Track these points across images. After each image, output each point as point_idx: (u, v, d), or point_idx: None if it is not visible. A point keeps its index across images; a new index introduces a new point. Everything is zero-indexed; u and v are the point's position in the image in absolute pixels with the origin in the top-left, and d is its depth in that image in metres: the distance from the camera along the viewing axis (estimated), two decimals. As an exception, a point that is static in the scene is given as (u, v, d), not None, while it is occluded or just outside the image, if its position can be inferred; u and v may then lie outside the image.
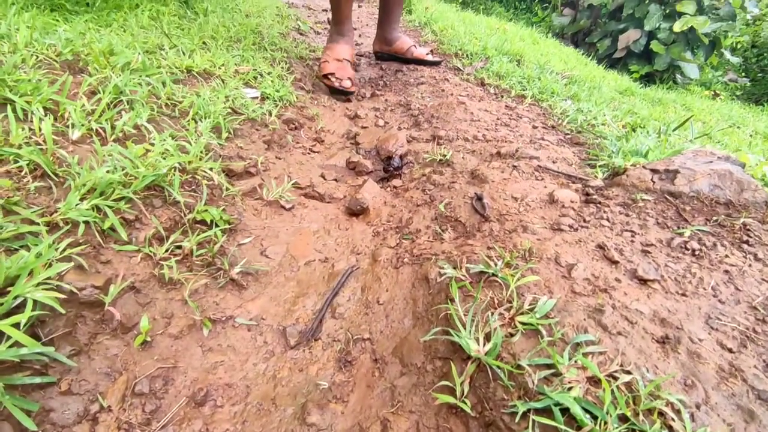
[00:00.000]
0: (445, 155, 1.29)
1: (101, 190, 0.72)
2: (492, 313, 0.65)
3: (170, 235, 0.78)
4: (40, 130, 0.77)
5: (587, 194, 0.99)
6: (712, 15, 4.66)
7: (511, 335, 0.62)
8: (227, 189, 0.96)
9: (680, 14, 4.69)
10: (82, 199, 0.70)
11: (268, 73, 1.63)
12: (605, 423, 0.49)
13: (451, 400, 0.59)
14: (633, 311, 0.64)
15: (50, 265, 0.60)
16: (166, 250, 0.76)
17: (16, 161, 0.70)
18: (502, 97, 1.87)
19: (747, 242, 0.78)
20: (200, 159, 0.96)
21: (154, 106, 1.03)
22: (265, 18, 2.50)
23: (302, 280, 0.89)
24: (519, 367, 0.57)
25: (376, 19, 2.55)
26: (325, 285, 0.89)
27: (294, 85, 1.74)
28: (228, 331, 0.75)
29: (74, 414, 0.56)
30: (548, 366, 0.56)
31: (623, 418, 0.50)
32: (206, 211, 0.85)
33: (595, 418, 0.50)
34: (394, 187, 1.27)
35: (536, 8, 6.67)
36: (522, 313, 0.64)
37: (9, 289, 0.55)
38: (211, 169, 0.95)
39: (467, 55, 2.40)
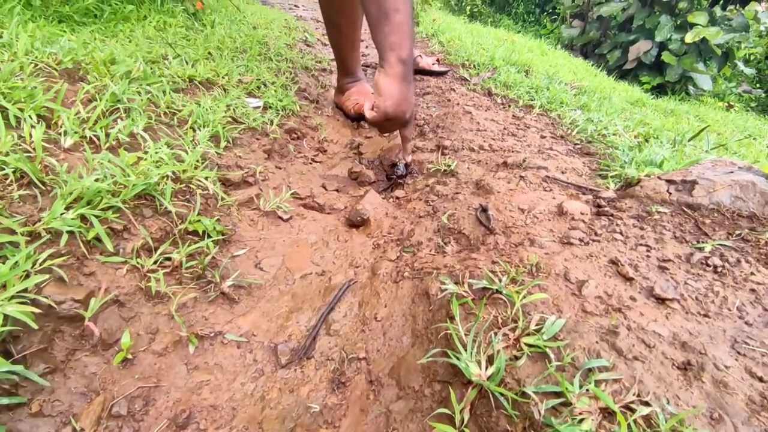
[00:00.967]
0: (449, 165, 1.26)
1: (88, 198, 0.70)
2: (495, 334, 0.60)
3: (159, 246, 0.75)
4: (30, 137, 0.75)
5: (598, 206, 0.94)
6: (725, 26, 4.60)
7: (516, 358, 0.57)
8: (222, 199, 0.93)
9: (692, 25, 4.64)
10: (68, 208, 0.68)
11: (272, 83, 1.62)
12: (621, 462, 0.44)
13: (449, 430, 0.54)
14: (650, 333, 0.59)
15: (27, 277, 0.57)
16: (155, 262, 0.73)
17: (1, 169, 0.68)
18: (509, 106, 1.84)
19: (774, 258, 0.73)
20: (195, 168, 0.93)
21: (152, 115, 1.01)
22: (273, 30, 2.52)
23: (297, 294, 0.86)
24: (524, 394, 0.52)
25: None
26: (321, 299, 0.85)
27: (298, 95, 1.73)
28: (216, 348, 0.71)
29: (44, 438, 0.53)
30: (556, 394, 0.51)
31: (642, 457, 0.45)
32: (199, 221, 0.83)
33: (609, 455, 0.45)
34: (397, 197, 1.24)
35: (545, 20, 6.68)
36: (528, 334, 0.59)
37: (-21, 302, 0.52)
38: (206, 178, 0.93)
39: (474, 66, 2.38)
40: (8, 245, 0.59)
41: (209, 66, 1.45)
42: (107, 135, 0.87)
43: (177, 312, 0.71)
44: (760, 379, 0.53)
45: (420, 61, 2.20)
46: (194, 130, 1.07)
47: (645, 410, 0.48)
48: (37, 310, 0.55)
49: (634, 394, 0.50)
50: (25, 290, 0.56)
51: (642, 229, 0.84)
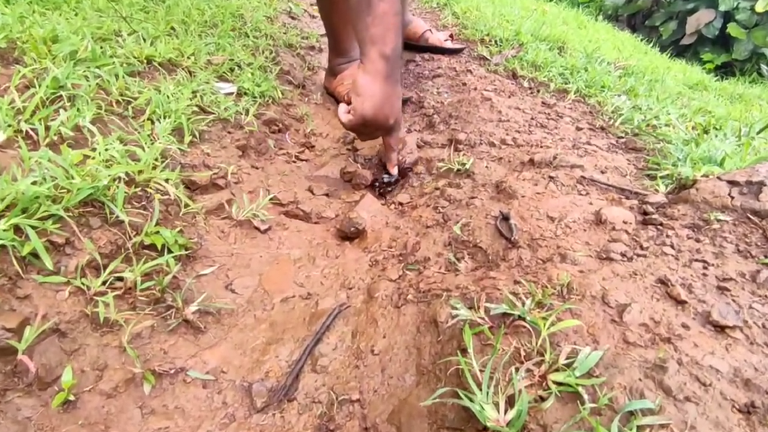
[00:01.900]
0: (464, 164, 1.28)
1: (24, 206, 0.72)
2: (517, 369, 0.61)
3: (109, 263, 0.77)
4: (-46, 132, 0.77)
5: (645, 213, 0.96)
6: (805, -9, 4.65)
7: (542, 399, 0.58)
8: (186, 206, 0.95)
9: (764, -9, 4.70)
10: (-1, 218, 0.70)
11: (248, 64, 1.65)
12: None
13: (460, 487, 0.55)
14: (706, 369, 0.60)
15: (-51, 301, 0.59)
16: (103, 283, 0.74)
17: None
18: (538, 92, 1.86)
19: None
20: (154, 168, 0.95)
21: (101, 104, 1.04)
22: (250, -1, 2.57)
23: (277, 321, 0.87)
24: (551, 443, 0.53)
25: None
26: (306, 328, 0.86)
27: (279, 79, 1.75)
28: (177, 387, 0.72)
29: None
30: (591, 443, 0.52)
31: None
32: (157, 233, 0.84)
33: None
34: (400, 204, 1.26)
35: (583, -14, 6.75)
36: (556, 370, 0.60)
37: None
38: (167, 180, 0.95)
39: (496, 42, 2.41)
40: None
41: (172, 44, 1.48)
42: (47, 128, 0.89)
43: (130, 344, 0.73)
44: (841, 425, 0.53)
45: (430, 37, 2.23)
46: (153, 122, 1.09)
47: (698, 462, 0.49)
48: (-39, 341, 0.57)
49: (685, 443, 0.51)
50: (-53, 316, 0.58)
51: (698, 241, 0.85)
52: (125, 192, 0.85)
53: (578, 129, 1.53)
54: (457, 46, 2.26)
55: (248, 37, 1.94)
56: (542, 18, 3.09)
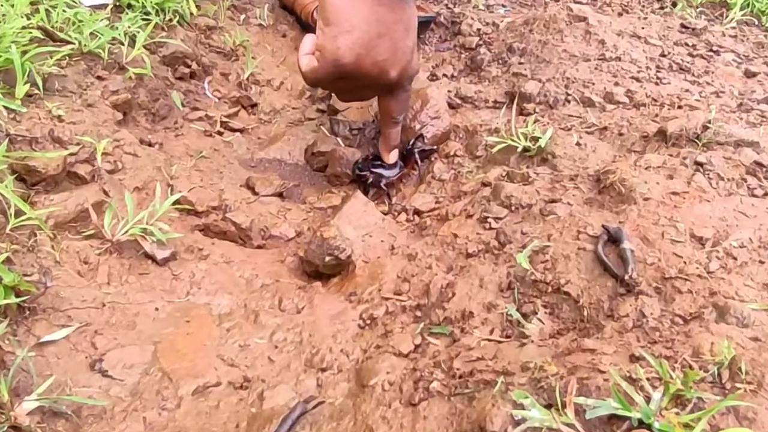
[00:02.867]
0: (536, 138, 1.29)
1: None
2: None
3: None
4: None
5: None
6: None
7: None
8: (19, 213, 0.96)
9: None
10: None
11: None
12: None
13: None
14: None
15: None
16: None
17: None
18: (673, 5, 1.88)
19: None
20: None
21: None
22: None
23: (186, 430, 0.87)
24: None
25: None
26: (241, 444, 0.86)
27: (193, -20, 1.78)
28: None
29: None
30: None
31: None
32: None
33: None
34: (416, 212, 1.28)
35: None
36: None
37: None
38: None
39: None
40: None
41: None
42: None
43: None
44: None
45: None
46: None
47: None
48: None
49: None
50: None
51: None
52: None
53: (748, 75, 1.55)
54: None
55: None
56: None
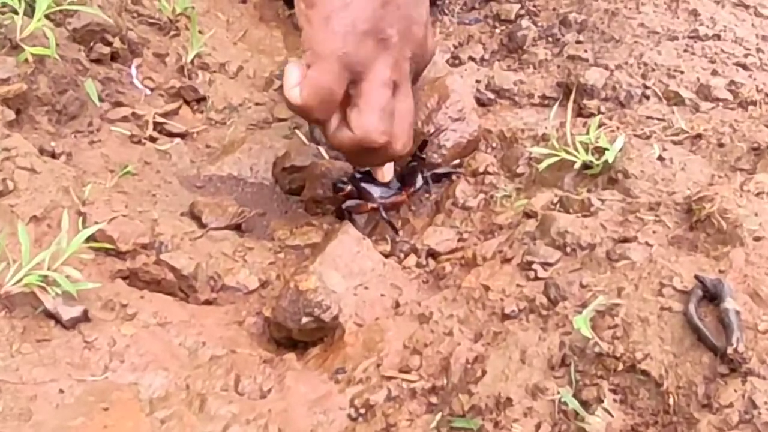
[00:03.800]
0: (601, 150, 1.29)
1: None
2: None
3: None
4: None
5: None
6: None
7: None
8: None
9: None
10: None
11: None
12: None
13: None
14: None
15: None
16: None
17: None
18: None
19: None
20: None
21: None
22: None
23: None
24: None
25: None
26: None
27: None
28: None
29: None
30: None
31: None
32: None
33: None
34: (431, 254, 1.27)
35: None
36: None
37: None
38: None
39: None
40: None
41: None
42: None
43: None
44: None
45: None
46: None
47: None
48: None
49: None
50: None
51: None
52: None
53: None
54: None
55: None
56: None
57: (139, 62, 1.56)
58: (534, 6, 1.79)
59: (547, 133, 1.38)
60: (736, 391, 0.90)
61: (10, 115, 1.27)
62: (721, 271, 1.02)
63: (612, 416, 0.93)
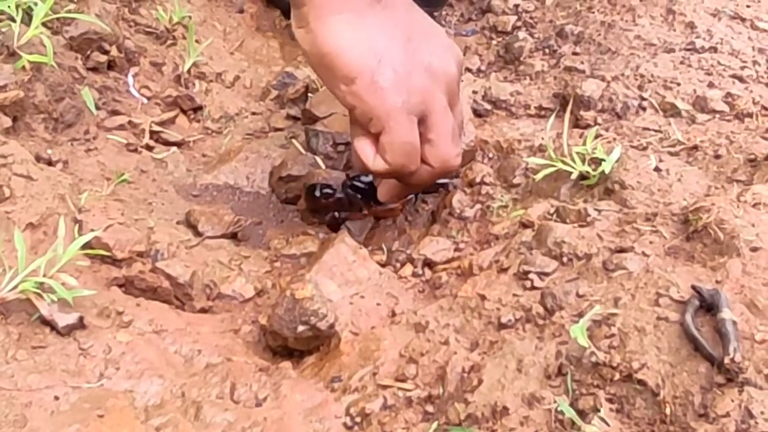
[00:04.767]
0: (598, 161, 1.30)
1: None
2: None
3: None
4: None
5: None
6: None
7: None
8: None
9: None
10: None
11: None
12: None
13: None
14: None
15: None
16: None
17: None
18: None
19: None
20: None
21: None
22: None
23: None
24: None
25: None
26: None
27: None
28: None
29: None
30: None
31: None
32: None
33: None
34: (427, 263, 1.27)
35: None
36: None
37: None
38: None
39: None
40: None
41: None
42: None
43: None
44: None
45: None
46: None
47: None
48: None
49: None
50: None
51: None
52: None
53: None
54: None
55: None
56: None
57: (136, 71, 1.56)
58: (530, 18, 1.80)
59: (544, 144, 1.38)
60: (732, 400, 0.90)
61: (7, 122, 1.27)
62: (717, 282, 1.03)
63: (608, 425, 0.93)
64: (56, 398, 0.99)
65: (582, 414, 0.95)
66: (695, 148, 1.33)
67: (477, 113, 1.51)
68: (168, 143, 1.47)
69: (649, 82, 1.50)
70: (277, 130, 1.55)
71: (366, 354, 1.11)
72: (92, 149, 1.36)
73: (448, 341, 1.10)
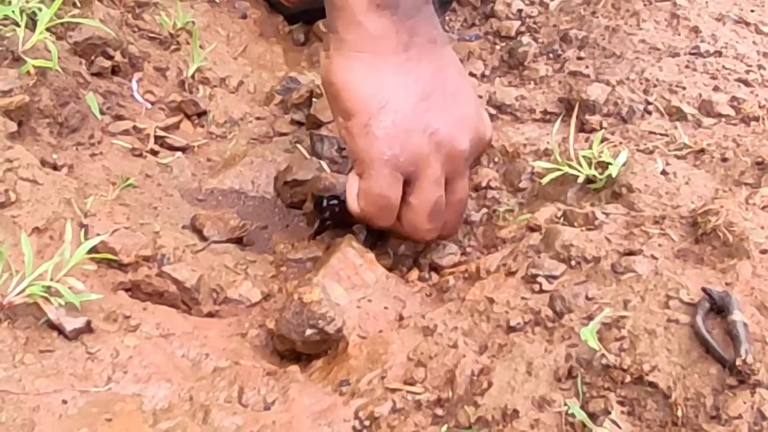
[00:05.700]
0: (604, 165, 1.29)
1: None
2: None
3: None
4: None
5: None
6: None
7: None
8: None
9: None
10: None
11: None
12: None
13: None
14: None
15: None
16: None
17: None
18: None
19: None
20: None
21: None
22: None
23: None
24: None
25: None
26: None
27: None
28: None
29: None
30: None
31: None
32: None
33: None
34: (433, 268, 1.27)
35: None
36: None
37: None
38: None
39: None
40: None
41: None
42: None
43: None
44: None
45: None
46: None
47: None
48: None
49: None
50: None
51: None
52: None
53: None
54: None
55: None
56: None
57: (140, 76, 1.56)
58: (534, 23, 1.80)
59: (550, 148, 1.38)
60: (744, 402, 0.90)
61: (13, 126, 1.27)
62: (727, 284, 1.02)
63: (620, 428, 0.93)
64: (64, 402, 0.99)
65: (593, 416, 0.95)
66: (702, 151, 1.33)
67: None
68: (173, 148, 1.47)
69: (655, 86, 1.50)
70: (281, 134, 1.54)
71: (374, 357, 1.10)
72: (97, 154, 1.36)
73: (456, 344, 1.09)
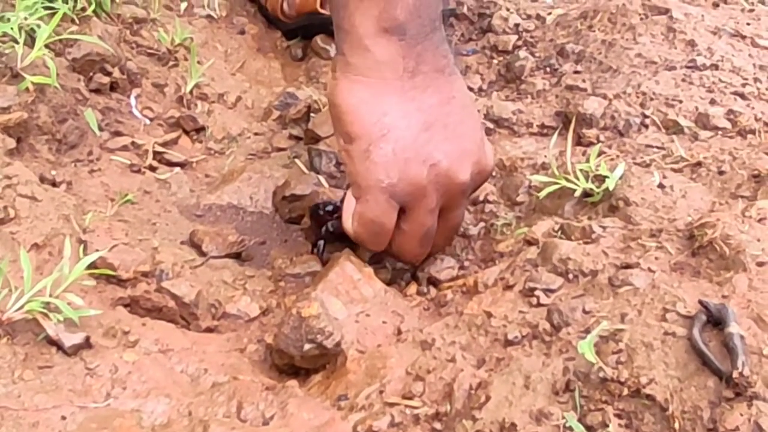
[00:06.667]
0: (601, 178, 1.30)
1: None
2: None
3: None
4: None
5: None
6: None
7: None
8: None
9: None
10: None
11: None
12: None
13: None
14: None
15: None
16: None
17: None
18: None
19: None
20: None
21: None
22: None
23: None
24: None
25: None
26: None
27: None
28: None
29: None
30: None
31: None
32: None
33: None
34: (432, 283, 1.28)
35: None
36: None
37: None
38: None
39: None
40: None
41: None
42: None
43: None
44: None
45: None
46: None
47: None
48: None
49: None
50: None
51: None
52: None
53: None
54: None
55: None
56: None
57: (139, 92, 1.56)
58: (531, 37, 1.80)
59: (547, 162, 1.38)
60: (741, 415, 0.90)
61: (11, 143, 1.28)
62: (724, 297, 1.03)
63: (610, 434, 0.93)
64: (63, 418, 0.99)
65: (591, 429, 0.95)
66: (699, 164, 1.33)
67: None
68: (171, 164, 1.47)
69: (651, 99, 1.50)
70: (279, 150, 1.55)
71: (372, 372, 1.10)
72: (96, 170, 1.36)
73: (454, 358, 1.10)
